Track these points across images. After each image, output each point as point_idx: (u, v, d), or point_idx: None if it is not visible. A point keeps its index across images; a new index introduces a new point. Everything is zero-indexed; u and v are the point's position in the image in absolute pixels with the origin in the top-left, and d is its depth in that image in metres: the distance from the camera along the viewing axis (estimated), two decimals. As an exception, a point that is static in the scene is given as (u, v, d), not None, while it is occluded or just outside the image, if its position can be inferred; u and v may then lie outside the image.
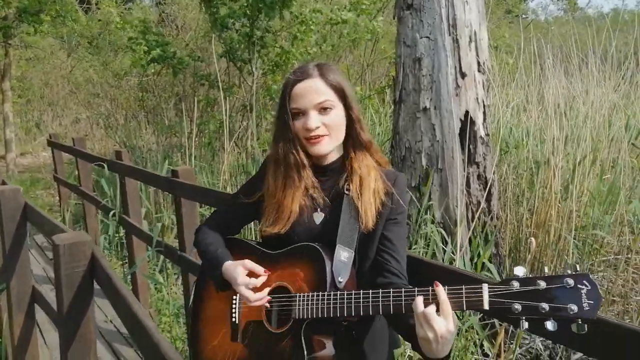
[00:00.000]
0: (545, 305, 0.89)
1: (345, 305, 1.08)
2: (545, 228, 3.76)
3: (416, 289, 1.00)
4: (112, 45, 9.41)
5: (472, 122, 3.41)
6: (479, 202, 3.45)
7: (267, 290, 1.18)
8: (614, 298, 3.45)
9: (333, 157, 1.26)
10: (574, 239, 3.63)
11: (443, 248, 3.24)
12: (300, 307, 1.13)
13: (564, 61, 5.56)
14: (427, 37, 3.40)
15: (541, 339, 3.29)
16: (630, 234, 3.76)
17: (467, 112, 3.40)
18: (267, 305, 1.18)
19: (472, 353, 3.04)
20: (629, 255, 3.56)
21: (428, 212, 3.38)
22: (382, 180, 1.22)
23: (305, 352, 1.10)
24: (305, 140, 1.20)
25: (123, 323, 1.24)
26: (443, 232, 3.33)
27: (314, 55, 6.52)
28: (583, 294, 0.87)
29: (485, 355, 3.02)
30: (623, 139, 4.47)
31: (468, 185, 3.47)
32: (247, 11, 5.76)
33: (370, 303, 1.05)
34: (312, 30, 6.07)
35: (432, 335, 0.94)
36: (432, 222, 3.32)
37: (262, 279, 1.18)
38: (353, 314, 1.08)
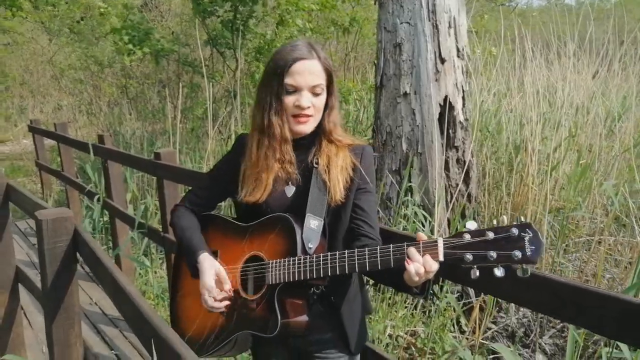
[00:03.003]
0: (493, 253, 0.97)
1: (314, 267, 1.14)
2: (522, 210, 3.87)
3: (405, 243, 1.07)
4: (94, 32, 9.27)
5: (452, 107, 3.48)
6: (457, 185, 3.54)
7: (225, 303, 1.25)
8: (587, 278, 3.57)
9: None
10: (551, 220, 3.74)
11: (422, 229, 3.32)
12: (273, 273, 1.19)
13: (544, 49, 5.66)
14: (407, 22, 3.44)
15: (517, 316, 3.41)
16: (604, 216, 3.88)
17: (446, 97, 3.46)
18: (231, 293, 1.24)
19: (451, 331, 3.15)
20: (602, 237, 3.69)
21: (409, 195, 3.45)
22: (350, 157, 1.28)
23: (279, 316, 1.16)
24: (292, 116, 1.24)
25: (105, 291, 1.29)
26: (423, 212, 3.41)
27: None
28: (526, 241, 0.95)
29: (463, 332, 3.13)
30: (600, 125, 4.58)
31: (447, 168, 3.55)
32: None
33: (347, 262, 1.11)
34: (297, 21, 6.08)
35: (430, 274, 1.05)
36: (414, 204, 3.40)
37: (224, 294, 1.24)
38: (323, 275, 1.14)
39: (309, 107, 1.22)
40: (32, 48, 12.78)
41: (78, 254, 1.46)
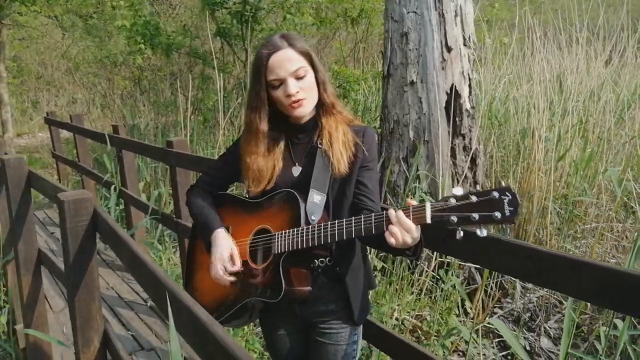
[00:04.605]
0: (476, 215, 1.04)
1: (315, 235, 1.23)
2: (529, 197, 3.91)
3: (384, 212, 1.17)
4: (106, 25, 9.39)
5: (458, 95, 3.52)
6: (464, 172, 3.59)
7: (231, 278, 1.34)
8: (593, 263, 3.60)
9: (308, 116, 1.38)
10: (558, 207, 3.78)
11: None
12: (279, 243, 1.28)
13: (556, 36, 5.63)
14: (413, 11, 3.48)
15: (522, 301, 3.47)
16: (611, 202, 3.90)
17: (452, 86, 3.50)
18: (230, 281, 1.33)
19: (457, 315, 3.22)
20: (609, 223, 3.72)
21: (416, 182, 3.51)
22: (351, 134, 1.35)
23: (284, 284, 1.25)
24: (288, 106, 1.31)
25: (123, 262, 1.38)
26: (431, 199, 3.47)
27: (306, 33, 6.58)
28: (505, 203, 1.02)
29: (467, 314, 3.20)
30: (610, 112, 4.58)
31: (454, 156, 3.60)
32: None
33: (344, 228, 1.19)
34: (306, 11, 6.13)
35: (406, 234, 1.12)
36: (421, 191, 3.46)
37: (235, 268, 1.34)
38: (324, 242, 1.22)
39: (297, 92, 1.29)
40: (46, 42, 12.98)
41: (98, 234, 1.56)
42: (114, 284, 3.67)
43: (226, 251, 1.34)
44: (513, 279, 3.48)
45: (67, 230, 1.48)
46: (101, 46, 9.16)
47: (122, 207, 4.68)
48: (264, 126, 1.33)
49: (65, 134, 7.58)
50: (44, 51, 13.43)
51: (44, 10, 9.31)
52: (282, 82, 1.29)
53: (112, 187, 4.10)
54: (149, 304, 3.32)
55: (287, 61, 1.28)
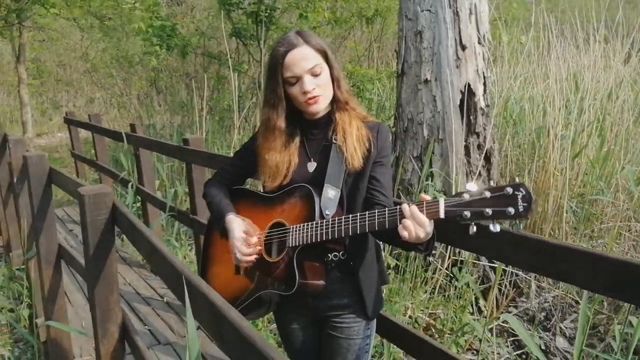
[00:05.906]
0: (489, 210, 1.05)
1: (330, 229, 1.24)
2: (544, 196, 3.87)
3: (397, 207, 1.17)
4: (124, 27, 9.53)
5: (472, 93, 3.51)
6: (478, 171, 3.57)
7: (253, 256, 1.36)
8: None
9: (322, 112, 1.40)
10: (575, 206, 3.74)
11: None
12: (293, 237, 1.30)
13: (573, 34, 5.57)
14: (428, 10, 3.48)
15: (537, 300, 3.44)
16: (629, 201, 3.85)
17: (467, 84, 3.49)
18: (254, 257, 1.35)
19: (471, 313, 3.21)
20: (627, 223, 3.67)
21: (430, 180, 3.51)
22: (365, 129, 1.37)
23: (297, 276, 1.27)
24: (304, 102, 1.33)
25: (141, 253, 1.42)
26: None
27: (321, 32, 6.61)
28: (519, 199, 1.02)
29: (481, 312, 3.19)
30: (628, 111, 4.51)
31: (468, 154, 3.59)
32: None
33: (358, 222, 1.21)
34: (321, 9, 6.15)
35: (420, 228, 1.13)
36: (435, 189, 3.46)
37: (255, 240, 1.36)
38: (337, 236, 1.24)
39: (313, 89, 1.31)
40: (65, 44, 13.22)
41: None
42: (131, 279, 3.73)
43: (240, 229, 1.36)
44: (528, 277, 3.46)
45: (87, 224, 1.52)
46: (118, 46, 9.30)
47: (139, 204, 4.76)
48: (281, 123, 1.35)
49: (83, 133, 7.72)
50: (63, 53, 13.69)
51: (62, 12, 9.49)
52: (298, 79, 1.31)
53: (130, 184, 4.18)
54: (165, 300, 3.37)
55: (303, 59, 1.30)
